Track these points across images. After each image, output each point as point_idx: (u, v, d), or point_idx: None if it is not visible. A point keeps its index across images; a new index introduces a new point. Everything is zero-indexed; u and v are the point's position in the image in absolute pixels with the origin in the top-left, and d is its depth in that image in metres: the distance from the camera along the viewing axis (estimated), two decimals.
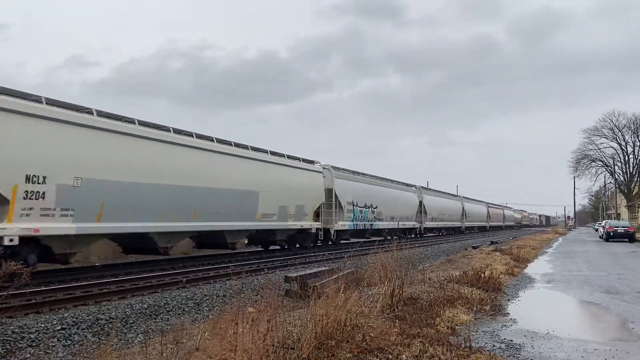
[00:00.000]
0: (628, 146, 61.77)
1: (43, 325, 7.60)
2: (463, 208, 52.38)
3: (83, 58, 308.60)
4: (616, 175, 62.81)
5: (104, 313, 8.61)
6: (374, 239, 24.89)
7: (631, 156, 61.99)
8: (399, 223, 33.24)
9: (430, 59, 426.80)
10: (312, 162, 23.43)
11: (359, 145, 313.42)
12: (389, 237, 28.50)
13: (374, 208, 29.39)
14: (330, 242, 25.07)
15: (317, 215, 22.98)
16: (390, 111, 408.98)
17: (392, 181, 34.79)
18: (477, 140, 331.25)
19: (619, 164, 62.89)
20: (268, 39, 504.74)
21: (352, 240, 27.35)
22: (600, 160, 63.92)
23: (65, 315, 8.27)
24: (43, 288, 10.11)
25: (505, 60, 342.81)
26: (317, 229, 22.86)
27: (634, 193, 61.23)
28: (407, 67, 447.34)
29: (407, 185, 38.36)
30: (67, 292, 10.15)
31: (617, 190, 64.88)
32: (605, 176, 67.19)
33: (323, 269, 10.40)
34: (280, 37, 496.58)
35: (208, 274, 13.71)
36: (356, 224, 27.08)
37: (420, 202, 38.58)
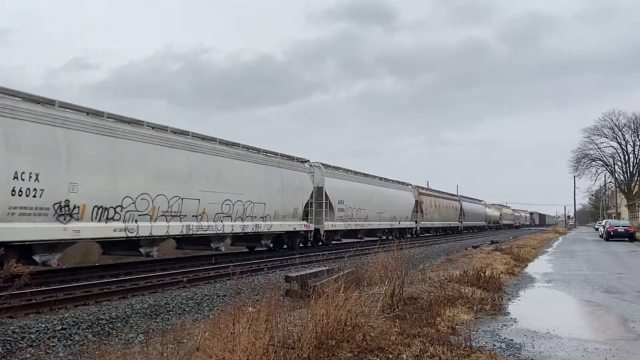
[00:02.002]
0: (628, 145, 61.98)
1: (43, 325, 7.60)
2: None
3: (83, 61, 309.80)
4: (616, 175, 62.82)
5: (104, 313, 8.61)
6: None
7: (631, 155, 62.21)
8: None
9: (422, 62, 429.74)
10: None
11: (356, 145, 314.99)
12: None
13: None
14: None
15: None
16: (385, 112, 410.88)
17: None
18: (472, 140, 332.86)
19: (619, 163, 63.05)
20: (264, 43, 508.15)
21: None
22: (600, 160, 64.06)
23: (66, 315, 8.27)
24: (43, 288, 10.11)
25: (496, 62, 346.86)
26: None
27: (634, 192, 61.24)
28: (401, 69, 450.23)
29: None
30: (68, 292, 10.15)
31: (617, 189, 64.85)
32: (605, 175, 67.30)
33: (323, 268, 10.39)
34: (276, 41, 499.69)
35: (208, 273, 13.72)
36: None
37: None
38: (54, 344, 7.23)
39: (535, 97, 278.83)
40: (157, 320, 8.92)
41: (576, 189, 78.13)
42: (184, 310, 9.70)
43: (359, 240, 27.68)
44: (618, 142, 62.16)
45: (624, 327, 7.42)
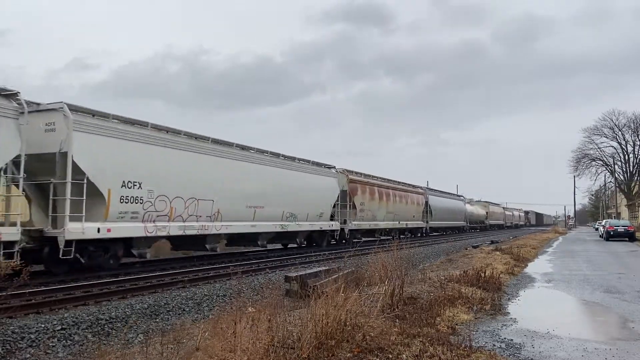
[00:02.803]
0: (628, 145, 62.02)
1: (43, 326, 7.60)
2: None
3: (83, 61, 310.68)
4: (616, 175, 62.86)
5: (104, 313, 8.61)
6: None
7: (631, 155, 62.24)
8: None
9: (420, 63, 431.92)
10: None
11: (355, 145, 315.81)
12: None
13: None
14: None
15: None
16: (384, 113, 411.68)
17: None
18: (471, 140, 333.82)
19: (619, 163, 63.09)
20: (263, 44, 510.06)
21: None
22: (600, 160, 64.09)
23: (66, 315, 8.26)
24: (43, 288, 10.10)
25: (495, 63, 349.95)
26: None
27: (634, 192, 61.25)
28: (399, 70, 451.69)
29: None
30: (67, 292, 10.14)
31: (617, 189, 64.87)
32: (605, 175, 67.36)
33: (323, 268, 10.40)
34: (275, 42, 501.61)
35: (208, 273, 13.71)
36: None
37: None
38: (54, 344, 7.22)
39: (534, 97, 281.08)
40: (157, 320, 8.91)
41: (576, 189, 78.14)
42: (184, 310, 9.70)
43: (208, 253, 16.71)
44: (618, 142, 62.30)
45: (623, 327, 7.42)
